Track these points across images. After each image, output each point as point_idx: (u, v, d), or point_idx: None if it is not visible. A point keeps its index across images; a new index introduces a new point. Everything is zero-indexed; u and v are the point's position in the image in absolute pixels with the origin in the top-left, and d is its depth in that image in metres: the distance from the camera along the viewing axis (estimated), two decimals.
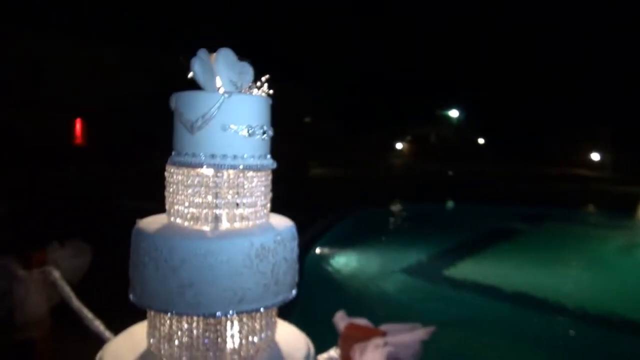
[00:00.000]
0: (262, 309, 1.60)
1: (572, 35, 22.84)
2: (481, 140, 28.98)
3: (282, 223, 1.76)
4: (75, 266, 4.54)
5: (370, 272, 10.13)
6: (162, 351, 1.63)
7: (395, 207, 16.12)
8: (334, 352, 3.28)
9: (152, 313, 1.67)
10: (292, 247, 1.70)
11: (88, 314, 4.38)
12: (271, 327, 1.76)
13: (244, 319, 1.63)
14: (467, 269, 10.04)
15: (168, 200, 1.68)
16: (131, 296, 1.63)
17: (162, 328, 1.64)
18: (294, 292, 1.74)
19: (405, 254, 11.30)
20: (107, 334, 2.81)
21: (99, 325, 3.72)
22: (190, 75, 1.65)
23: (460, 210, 16.49)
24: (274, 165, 1.74)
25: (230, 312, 1.53)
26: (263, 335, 1.70)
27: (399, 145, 29.83)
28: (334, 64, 21.28)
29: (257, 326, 1.68)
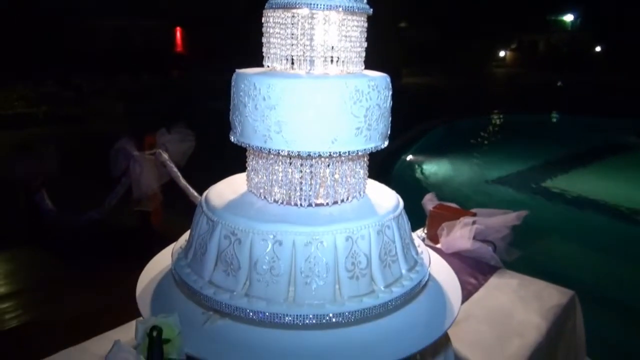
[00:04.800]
0: (354, 153, 1.63)
1: None
2: (598, 48, 25.99)
3: (377, 73, 1.74)
4: (182, 150, 4.95)
5: (461, 180, 9.95)
6: (261, 190, 1.75)
7: (494, 117, 15.28)
8: (420, 231, 3.34)
9: (251, 156, 1.77)
10: (385, 96, 1.68)
11: (193, 192, 4.81)
12: (362, 176, 1.80)
13: (336, 163, 1.68)
14: (567, 182, 9.53)
15: (265, 46, 1.72)
16: (232, 138, 1.73)
17: (260, 169, 1.74)
18: (385, 142, 1.75)
19: (501, 164, 10.89)
20: None
21: None
22: None
23: (567, 122, 15.35)
24: (370, 11, 1.69)
25: (324, 151, 1.57)
26: (354, 181, 1.75)
27: (502, 54, 27.67)
28: None
29: (349, 171, 1.73)
